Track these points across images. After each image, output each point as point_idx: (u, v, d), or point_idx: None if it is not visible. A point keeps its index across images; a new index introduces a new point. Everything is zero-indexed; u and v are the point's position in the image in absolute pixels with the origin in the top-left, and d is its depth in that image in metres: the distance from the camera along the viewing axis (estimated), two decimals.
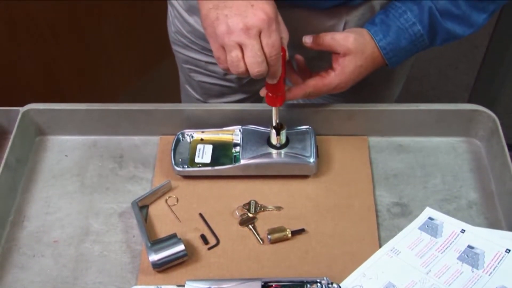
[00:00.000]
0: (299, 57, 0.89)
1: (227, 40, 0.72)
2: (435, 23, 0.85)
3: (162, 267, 0.79)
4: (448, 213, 0.86)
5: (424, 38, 0.86)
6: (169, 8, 1.07)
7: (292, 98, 0.86)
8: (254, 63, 0.73)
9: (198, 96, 1.15)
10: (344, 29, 0.93)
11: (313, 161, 0.88)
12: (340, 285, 0.77)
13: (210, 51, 0.77)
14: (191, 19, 1.00)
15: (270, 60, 0.73)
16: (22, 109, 0.94)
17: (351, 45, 0.84)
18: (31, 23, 1.52)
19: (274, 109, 0.85)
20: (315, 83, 0.86)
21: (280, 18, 0.75)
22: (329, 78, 0.86)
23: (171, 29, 1.09)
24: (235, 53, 0.73)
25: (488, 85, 1.74)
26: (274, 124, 0.86)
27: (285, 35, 0.77)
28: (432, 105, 0.94)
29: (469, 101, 1.78)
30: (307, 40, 0.86)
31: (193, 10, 0.98)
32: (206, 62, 1.06)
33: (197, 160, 0.90)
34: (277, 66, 0.75)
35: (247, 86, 1.10)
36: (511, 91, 1.77)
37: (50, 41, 1.60)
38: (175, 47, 1.11)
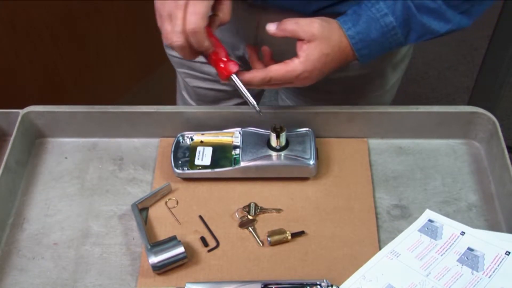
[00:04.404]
0: (266, 48, 0.85)
1: (162, 11, 0.74)
2: (409, 16, 0.81)
3: (162, 269, 0.79)
4: (448, 215, 0.86)
5: (397, 31, 0.82)
6: None
7: (251, 79, 0.82)
8: (172, 33, 0.73)
9: (193, 103, 1.15)
10: None
11: (313, 163, 0.88)
12: (340, 287, 0.77)
13: None
14: None
15: (189, 29, 0.73)
16: (22, 112, 0.94)
17: (316, 30, 0.80)
18: (31, 26, 1.52)
19: (235, 81, 0.80)
20: (277, 68, 0.81)
21: (229, 4, 0.76)
22: (293, 65, 0.81)
23: None
24: (165, 26, 0.74)
25: (488, 87, 1.74)
26: (250, 100, 0.82)
27: (223, 16, 0.77)
28: (432, 107, 0.94)
29: (469, 103, 1.79)
30: (271, 27, 0.82)
31: None
32: (201, 63, 1.06)
33: (197, 162, 0.90)
34: (198, 37, 0.74)
35: None
36: (510, 93, 1.77)
37: (50, 43, 1.60)
38: (168, 51, 1.10)
